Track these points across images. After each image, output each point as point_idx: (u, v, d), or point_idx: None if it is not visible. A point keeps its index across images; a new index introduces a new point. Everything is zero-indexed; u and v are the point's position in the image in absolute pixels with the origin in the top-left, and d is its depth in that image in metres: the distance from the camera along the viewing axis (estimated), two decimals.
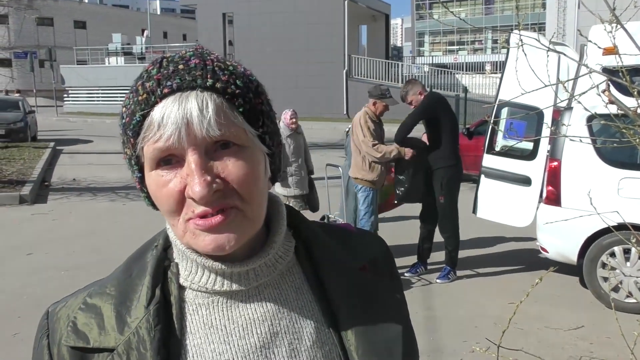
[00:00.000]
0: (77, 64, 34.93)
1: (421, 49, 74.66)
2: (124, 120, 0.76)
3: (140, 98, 0.73)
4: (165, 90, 0.72)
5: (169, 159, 0.73)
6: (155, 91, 0.72)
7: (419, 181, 5.92)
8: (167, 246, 0.85)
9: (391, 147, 5.85)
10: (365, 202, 5.93)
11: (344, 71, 27.30)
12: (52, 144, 17.42)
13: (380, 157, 5.79)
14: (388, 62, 28.94)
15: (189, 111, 0.70)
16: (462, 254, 6.54)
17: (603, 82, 2.83)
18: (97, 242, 7.37)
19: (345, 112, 26.79)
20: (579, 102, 2.57)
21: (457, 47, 74.21)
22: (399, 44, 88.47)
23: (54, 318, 0.83)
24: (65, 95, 33.75)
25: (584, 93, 4.37)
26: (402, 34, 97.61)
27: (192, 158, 0.71)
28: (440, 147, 5.81)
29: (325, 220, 6.15)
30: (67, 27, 46.26)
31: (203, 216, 0.73)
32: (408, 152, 5.84)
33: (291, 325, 0.81)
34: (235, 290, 0.80)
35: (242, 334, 0.78)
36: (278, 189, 6.65)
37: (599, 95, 2.89)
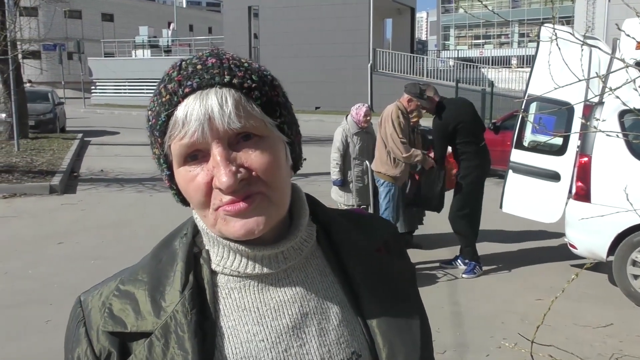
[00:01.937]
0: (105, 57, 35.35)
1: (446, 42, 74.00)
2: (150, 122, 0.81)
3: (164, 99, 0.78)
4: (187, 90, 0.77)
5: (195, 155, 0.78)
6: (177, 91, 0.77)
7: (437, 188, 5.97)
8: (194, 234, 0.89)
9: (418, 151, 5.86)
10: (386, 197, 5.91)
11: (369, 65, 27.17)
12: (80, 135, 17.68)
13: (406, 157, 5.78)
14: (413, 56, 28.71)
15: (210, 107, 0.75)
16: (488, 249, 6.51)
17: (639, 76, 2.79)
18: (125, 233, 7.49)
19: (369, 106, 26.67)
20: (617, 97, 2.54)
21: (483, 40, 73.39)
22: (423, 38, 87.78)
23: (88, 306, 0.86)
24: (93, 88, 34.19)
25: (618, 88, 4.30)
26: (427, 28, 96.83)
27: (216, 151, 0.76)
28: (462, 152, 5.79)
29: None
30: (95, 19, 46.77)
31: (230, 203, 0.77)
32: (430, 163, 5.88)
33: (319, 306, 0.85)
34: (265, 274, 0.84)
35: (275, 315, 0.83)
36: (334, 195, 6.48)
37: (636, 90, 2.86)
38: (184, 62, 0.80)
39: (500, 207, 5.96)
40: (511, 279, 5.89)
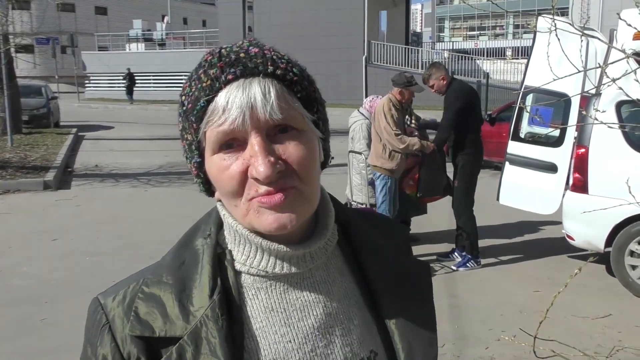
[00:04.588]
0: (98, 50, 35.15)
1: (441, 34, 73.87)
2: (185, 107, 0.79)
3: (204, 84, 0.76)
4: (230, 77, 0.75)
5: (231, 143, 0.77)
6: (219, 77, 0.76)
7: (437, 174, 5.93)
8: (217, 233, 0.87)
9: (415, 139, 5.82)
10: (382, 190, 5.87)
11: (364, 57, 27.11)
12: (74, 130, 17.58)
13: (404, 148, 5.74)
14: (408, 48, 28.66)
15: (253, 96, 0.74)
16: (486, 241, 6.50)
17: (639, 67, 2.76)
18: (120, 228, 7.44)
19: (364, 98, 26.64)
20: (620, 88, 2.51)
21: (478, 32, 73.28)
22: (418, 30, 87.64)
23: (110, 310, 0.82)
24: (87, 82, 34.02)
25: (618, 78, 4.26)
26: (422, 20, 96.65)
27: (255, 140, 0.75)
28: (460, 136, 5.75)
29: (349, 206, 6.12)
30: (88, 13, 46.49)
31: (266, 194, 0.76)
32: (430, 146, 5.83)
33: (341, 306, 0.85)
34: (292, 273, 0.83)
35: (301, 316, 0.83)
36: (350, 193, 6.47)
37: (637, 80, 2.83)
38: (223, 50, 0.79)
39: (497, 199, 5.94)
40: (509, 271, 5.88)
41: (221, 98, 0.75)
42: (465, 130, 5.73)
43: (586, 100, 5.57)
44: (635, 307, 4.90)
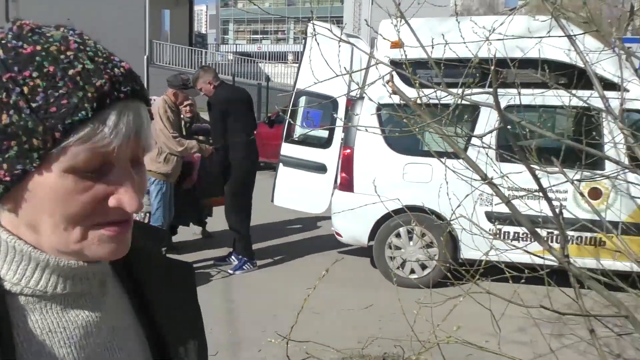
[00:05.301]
0: None
1: (226, 36, 74.47)
2: (36, 104, 0.66)
3: (89, 95, 0.67)
4: (122, 95, 0.69)
5: (98, 166, 0.70)
6: (110, 94, 0.68)
7: (216, 176, 5.90)
8: None
9: (193, 142, 5.71)
10: (158, 196, 5.65)
11: (145, 57, 26.16)
12: None
13: (182, 150, 5.60)
14: (192, 49, 28.33)
15: (140, 121, 0.71)
16: (262, 243, 6.59)
17: (387, 73, 2.94)
18: None
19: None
20: (365, 93, 2.65)
21: (261, 36, 75.26)
22: (203, 31, 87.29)
23: None
24: None
25: (372, 83, 4.52)
26: (206, 21, 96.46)
27: (129, 170, 0.71)
28: (232, 139, 5.74)
29: None
30: None
31: (115, 224, 0.72)
32: (208, 149, 5.78)
33: (120, 320, 0.83)
34: (69, 293, 0.77)
35: (82, 334, 0.77)
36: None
37: (384, 85, 3.01)
38: (90, 51, 0.70)
39: (272, 200, 6.04)
40: (284, 270, 6.02)
41: (111, 118, 0.68)
42: (237, 134, 5.72)
43: (351, 104, 5.91)
44: (395, 296, 5.30)
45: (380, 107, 5.51)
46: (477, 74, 4.77)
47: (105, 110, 0.68)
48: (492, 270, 2.66)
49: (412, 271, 5.59)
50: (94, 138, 0.67)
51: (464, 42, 2.83)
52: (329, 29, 3.79)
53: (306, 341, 2.73)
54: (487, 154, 3.31)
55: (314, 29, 3.35)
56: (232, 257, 6.00)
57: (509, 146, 2.61)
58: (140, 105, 0.72)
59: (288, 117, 6.06)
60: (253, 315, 4.86)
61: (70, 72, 0.67)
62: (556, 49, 3.88)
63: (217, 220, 6.96)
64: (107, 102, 0.68)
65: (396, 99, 2.57)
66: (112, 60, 0.72)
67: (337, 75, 3.10)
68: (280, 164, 6.00)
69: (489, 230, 4.47)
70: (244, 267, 5.84)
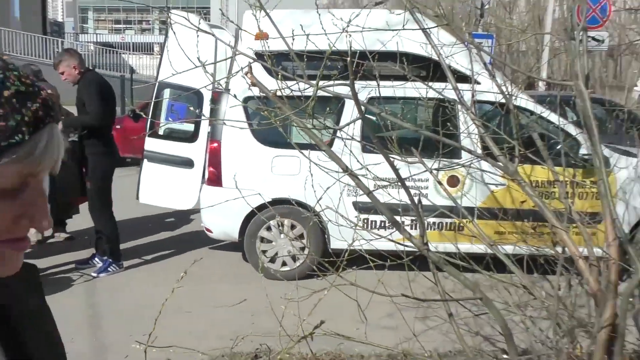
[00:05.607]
0: None
1: (85, 25, 70.44)
2: None
3: (26, 119, 0.68)
4: (49, 120, 0.71)
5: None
6: (43, 119, 0.70)
7: (71, 175, 5.54)
8: None
9: None
10: None
11: None
12: None
13: None
14: (46, 38, 26.48)
15: (60, 142, 0.72)
16: (128, 243, 6.31)
17: (247, 65, 2.88)
18: None
19: None
20: (220, 85, 2.58)
21: (124, 26, 72.03)
22: (60, 19, 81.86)
23: None
24: None
25: (233, 75, 4.43)
26: (63, 9, 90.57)
27: (42, 188, 0.72)
28: (91, 134, 5.41)
29: None
30: None
31: (19, 241, 0.72)
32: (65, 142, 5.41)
33: None
34: None
35: None
36: None
37: (244, 77, 2.94)
38: (14, 70, 0.69)
39: (137, 197, 5.78)
40: (152, 269, 5.80)
41: (43, 141, 0.69)
42: (98, 128, 5.40)
43: (218, 96, 5.77)
44: (267, 290, 5.28)
45: (246, 99, 5.45)
46: (339, 66, 4.86)
47: (38, 133, 0.69)
48: (360, 259, 2.71)
49: (284, 264, 5.60)
50: (25, 160, 0.68)
51: (325, 34, 2.84)
52: (186, 18, 3.66)
53: (169, 346, 2.63)
54: (350, 145, 3.36)
55: (169, 17, 3.22)
56: (96, 259, 5.67)
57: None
58: (55, 126, 0.73)
59: (151, 111, 5.83)
60: (119, 318, 4.62)
61: (6, 93, 0.68)
62: (414, 43, 4.02)
63: (80, 221, 6.58)
64: (40, 126, 0.69)
65: (256, 91, 2.52)
66: (34, 83, 0.72)
67: (196, 67, 2.99)
68: (145, 160, 5.75)
69: (355, 220, 4.59)
70: (109, 269, 5.54)
